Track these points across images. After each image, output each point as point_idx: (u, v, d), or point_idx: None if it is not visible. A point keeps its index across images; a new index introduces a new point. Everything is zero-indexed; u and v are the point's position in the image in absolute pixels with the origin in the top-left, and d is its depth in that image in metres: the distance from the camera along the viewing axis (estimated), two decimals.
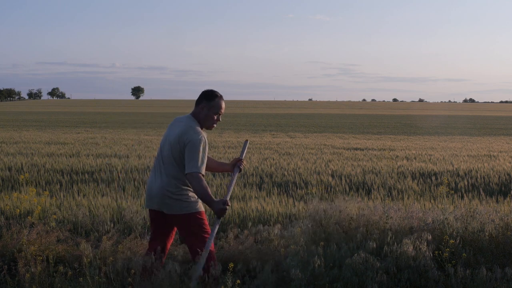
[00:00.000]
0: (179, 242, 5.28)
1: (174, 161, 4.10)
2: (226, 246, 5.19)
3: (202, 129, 4.23)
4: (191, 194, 4.15)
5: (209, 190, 4.09)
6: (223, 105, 4.25)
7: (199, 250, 4.07)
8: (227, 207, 4.12)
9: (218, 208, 4.09)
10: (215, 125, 4.27)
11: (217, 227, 4.21)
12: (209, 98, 4.21)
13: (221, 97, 4.26)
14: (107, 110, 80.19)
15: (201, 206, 4.21)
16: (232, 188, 4.42)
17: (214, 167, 4.53)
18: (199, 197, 4.13)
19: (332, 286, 4.15)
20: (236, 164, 4.53)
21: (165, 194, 4.10)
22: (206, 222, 4.23)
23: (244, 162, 4.58)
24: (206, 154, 4.14)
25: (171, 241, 4.39)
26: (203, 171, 4.07)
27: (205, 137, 4.15)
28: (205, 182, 4.08)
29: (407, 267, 4.38)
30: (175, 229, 4.35)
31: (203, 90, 4.27)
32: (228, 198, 4.25)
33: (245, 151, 4.61)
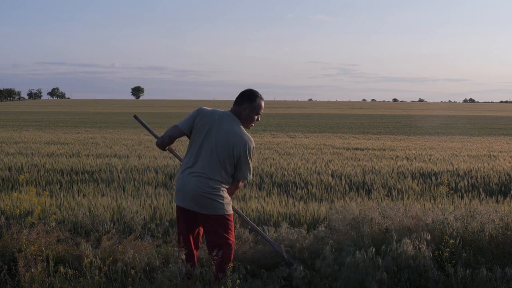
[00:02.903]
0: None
1: (218, 162, 4.11)
2: None
3: None
4: (226, 195, 4.18)
5: None
6: (263, 104, 4.33)
7: (221, 252, 4.10)
8: None
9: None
10: (253, 125, 4.33)
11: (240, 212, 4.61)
12: (252, 99, 4.25)
13: (261, 97, 4.32)
14: (107, 110, 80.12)
15: (231, 208, 4.26)
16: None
17: None
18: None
19: (332, 285, 4.15)
20: None
21: (201, 194, 4.09)
22: (233, 225, 4.29)
23: None
24: None
25: (200, 238, 4.47)
26: None
27: None
28: None
29: (407, 267, 4.38)
30: (201, 228, 4.38)
31: (241, 90, 4.33)
32: None
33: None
